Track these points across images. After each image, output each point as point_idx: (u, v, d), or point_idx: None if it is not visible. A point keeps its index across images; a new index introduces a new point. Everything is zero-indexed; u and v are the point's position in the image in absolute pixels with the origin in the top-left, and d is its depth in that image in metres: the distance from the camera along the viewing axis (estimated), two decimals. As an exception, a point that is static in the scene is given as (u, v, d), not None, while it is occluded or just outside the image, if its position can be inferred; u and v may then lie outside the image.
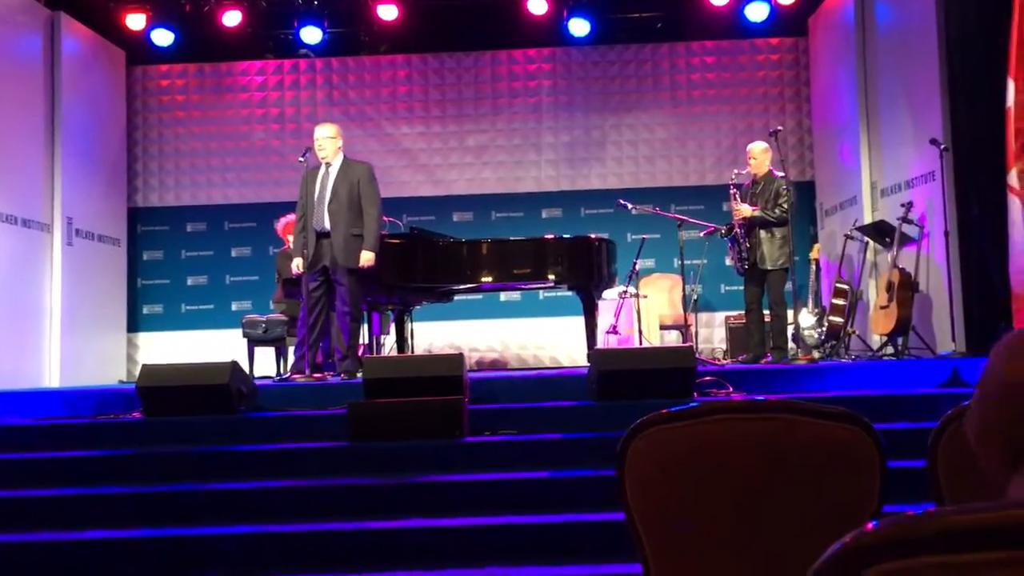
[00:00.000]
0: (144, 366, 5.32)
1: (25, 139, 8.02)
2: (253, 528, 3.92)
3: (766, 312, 6.77)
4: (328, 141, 6.18)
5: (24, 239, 7.89)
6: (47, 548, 3.88)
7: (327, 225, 6.07)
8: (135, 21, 8.98)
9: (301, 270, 6.11)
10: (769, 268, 6.56)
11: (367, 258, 6.07)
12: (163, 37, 9.15)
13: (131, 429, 4.99)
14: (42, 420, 5.37)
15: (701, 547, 1.48)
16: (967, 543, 0.60)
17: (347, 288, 6.05)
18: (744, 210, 6.63)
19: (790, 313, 7.01)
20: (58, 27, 8.42)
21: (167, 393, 5.02)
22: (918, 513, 0.63)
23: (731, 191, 6.85)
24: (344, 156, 6.26)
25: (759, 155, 6.81)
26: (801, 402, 1.46)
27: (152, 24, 9.05)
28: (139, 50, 9.51)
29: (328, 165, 6.16)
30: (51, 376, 8.08)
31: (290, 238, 6.76)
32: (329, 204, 6.08)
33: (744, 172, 6.90)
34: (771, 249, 6.56)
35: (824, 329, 7.68)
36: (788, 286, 6.76)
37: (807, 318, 7.95)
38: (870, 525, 0.63)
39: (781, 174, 6.75)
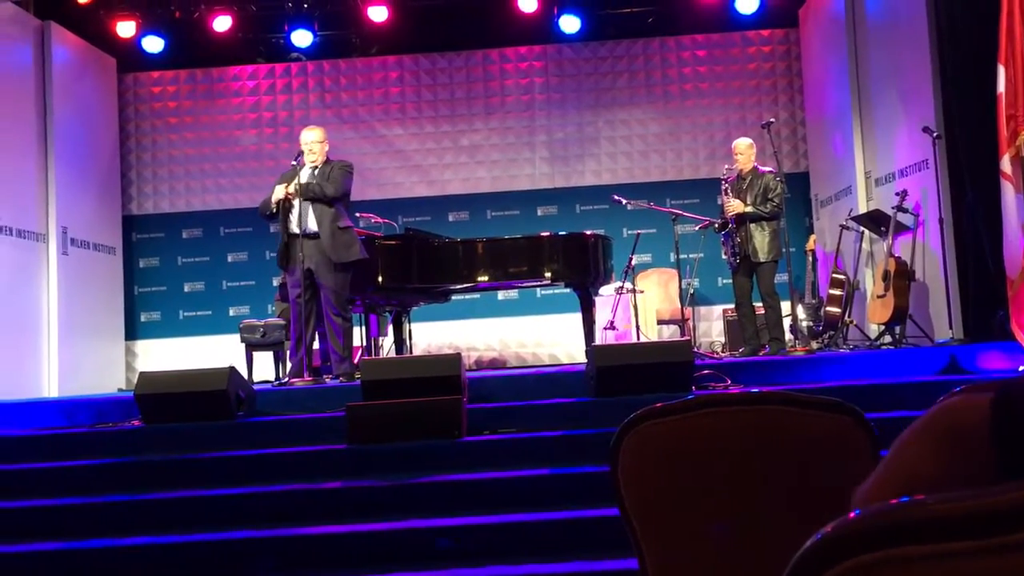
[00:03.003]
0: (142, 374, 5.31)
1: (18, 149, 8.01)
2: (253, 533, 3.92)
3: (757, 304, 6.78)
4: (317, 145, 6.16)
5: (19, 250, 7.88)
6: (48, 558, 3.88)
7: (313, 226, 6.02)
8: (125, 29, 8.96)
9: (280, 194, 5.99)
10: (761, 261, 6.58)
11: (279, 192, 5.97)
12: (154, 44, 9.14)
13: (130, 437, 4.98)
14: (41, 430, 5.37)
15: (695, 540, 1.48)
16: (949, 531, 0.60)
17: (331, 289, 6.01)
18: (737, 205, 6.64)
19: (786, 305, 7.01)
20: (48, 37, 8.41)
21: (165, 400, 5.02)
22: (902, 501, 0.63)
23: (722, 186, 6.85)
24: (328, 158, 6.26)
25: (744, 151, 6.83)
26: (791, 392, 1.46)
27: (142, 31, 9.03)
28: (130, 57, 9.50)
29: (314, 168, 6.14)
30: (50, 386, 8.07)
31: None
32: (313, 205, 6.04)
33: (731, 167, 6.91)
34: (762, 242, 6.57)
35: (821, 320, 7.68)
36: (782, 277, 6.76)
37: (803, 309, 7.96)
38: (852, 514, 0.63)
39: (768, 168, 6.77)
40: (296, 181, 6.01)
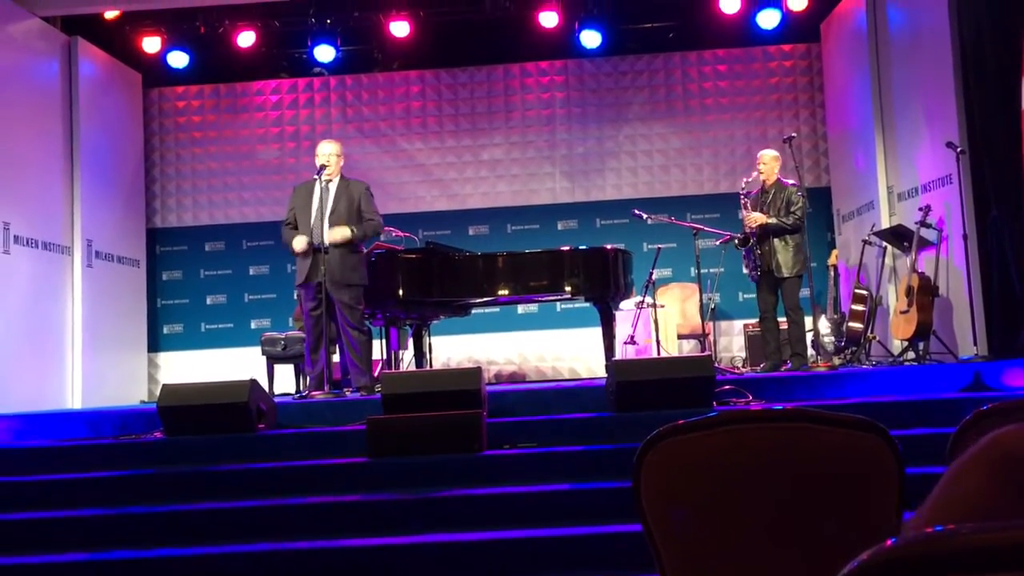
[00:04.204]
0: (164, 386, 5.35)
1: (44, 163, 8.11)
2: (274, 546, 3.93)
3: (780, 319, 6.75)
4: (334, 158, 6.21)
5: (45, 262, 7.97)
6: (71, 569, 3.90)
7: (328, 242, 6.06)
8: (151, 44, 9.07)
9: (303, 246, 6.06)
10: (786, 276, 6.54)
11: (342, 232, 6.01)
12: (178, 59, 9.24)
13: (152, 449, 5.02)
14: (65, 441, 5.41)
15: (719, 558, 1.47)
16: (988, 562, 0.59)
17: (345, 304, 6.04)
18: (758, 217, 6.61)
19: (808, 320, 6.97)
20: (75, 52, 8.52)
21: (187, 412, 5.05)
22: (938, 531, 0.62)
23: (741, 200, 6.83)
24: (342, 174, 6.30)
25: (769, 162, 6.79)
26: (816, 410, 1.46)
27: (167, 47, 9.14)
28: (155, 72, 9.61)
29: (329, 181, 6.18)
30: (74, 397, 8.14)
31: None
32: (330, 218, 6.08)
33: (752, 179, 6.87)
34: (787, 257, 6.54)
35: (843, 335, 7.63)
36: (804, 292, 6.73)
37: (826, 324, 7.91)
38: (889, 542, 0.63)
39: (791, 181, 6.74)
40: (319, 201, 6.05)
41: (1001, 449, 0.80)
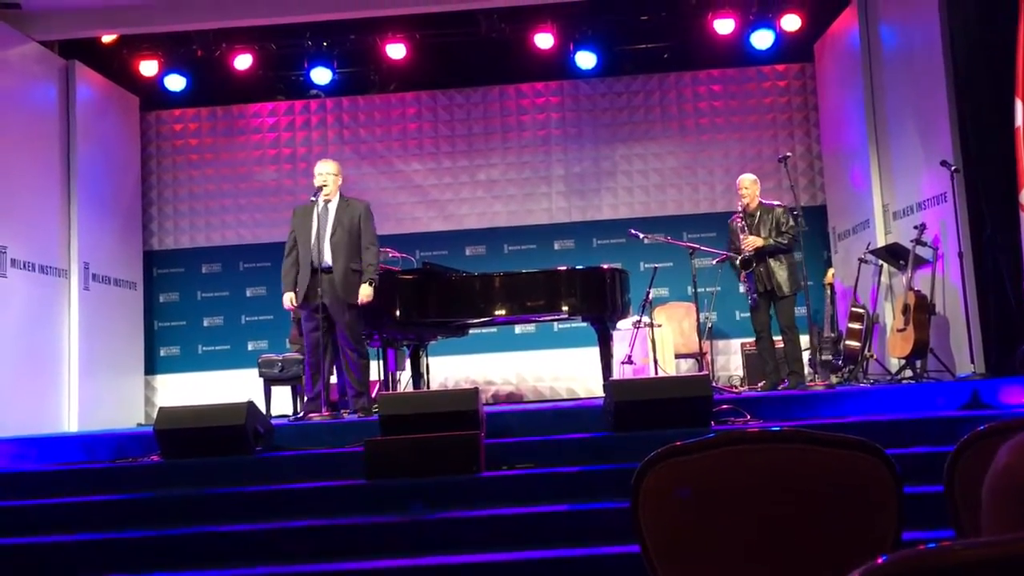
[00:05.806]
0: (161, 409, 5.33)
1: (42, 186, 8.12)
2: (272, 569, 3.91)
3: (776, 338, 6.75)
4: (331, 177, 6.23)
5: (42, 285, 7.97)
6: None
7: (328, 261, 6.08)
8: (148, 67, 9.11)
9: (294, 305, 6.15)
10: (785, 294, 6.57)
11: (366, 293, 6.07)
12: (176, 82, 9.28)
13: (149, 472, 5.00)
14: (61, 465, 5.39)
15: (718, 580, 1.47)
16: None
17: (346, 324, 6.05)
18: (755, 240, 6.63)
19: (805, 339, 6.98)
20: (73, 76, 8.56)
21: (184, 435, 5.03)
22: (927, 548, 0.63)
23: (740, 224, 6.83)
24: (340, 193, 6.32)
25: (750, 186, 6.85)
26: (813, 431, 1.46)
27: (165, 70, 9.18)
28: (152, 95, 9.65)
29: (327, 201, 6.21)
30: (70, 421, 8.11)
31: None
32: (331, 239, 6.11)
33: (742, 208, 6.88)
34: (783, 276, 6.57)
35: (840, 354, 7.63)
36: (800, 311, 6.75)
37: (823, 343, 7.91)
38: (880, 559, 0.63)
39: (776, 203, 6.78)
40: (319, 221, 6.08)
41: (1015, 480, 0.80)
